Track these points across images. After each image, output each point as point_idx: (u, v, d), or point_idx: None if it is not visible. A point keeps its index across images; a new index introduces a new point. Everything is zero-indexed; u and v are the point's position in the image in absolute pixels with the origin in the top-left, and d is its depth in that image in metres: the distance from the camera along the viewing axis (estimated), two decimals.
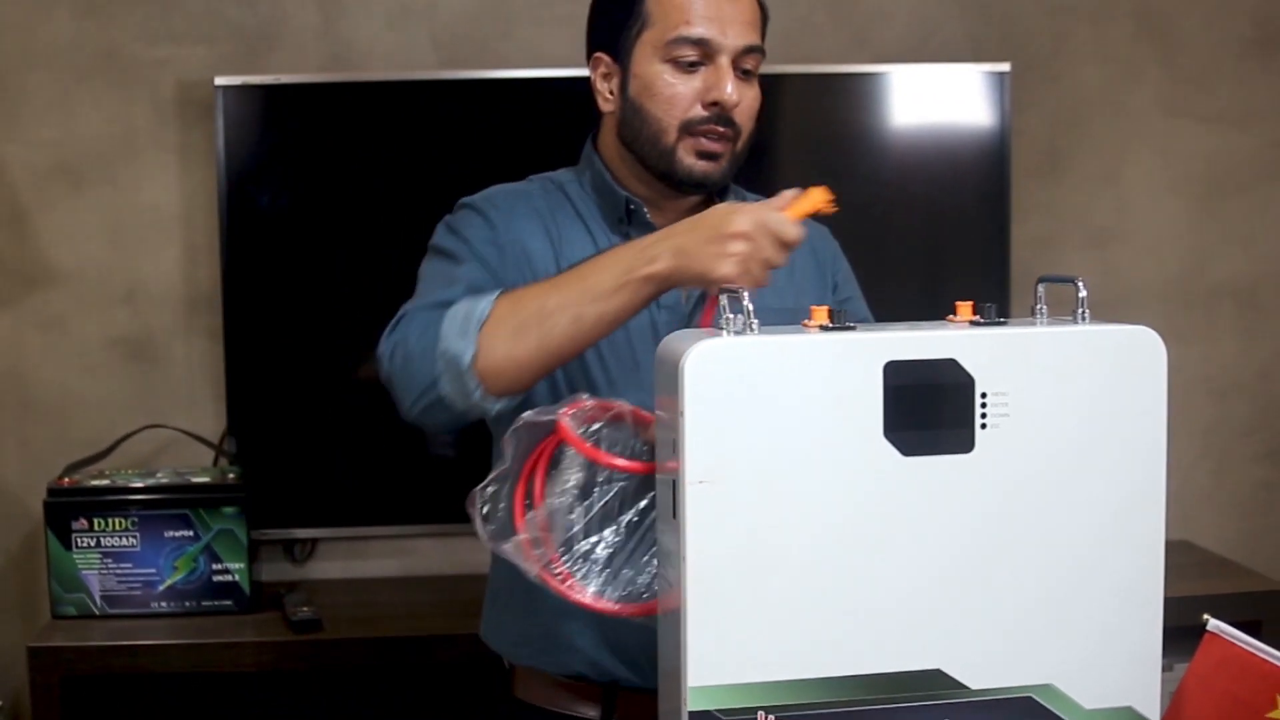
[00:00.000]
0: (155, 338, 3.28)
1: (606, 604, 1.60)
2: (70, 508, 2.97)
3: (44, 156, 3.23)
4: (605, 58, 2.09)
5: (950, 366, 1.42)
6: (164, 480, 3.04)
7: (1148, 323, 1.48)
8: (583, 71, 3.11)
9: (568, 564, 1.61)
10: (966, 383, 1.43)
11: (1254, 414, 3.63)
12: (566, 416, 1.60)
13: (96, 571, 2.98)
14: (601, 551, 1.60)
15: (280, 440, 3.24)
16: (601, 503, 1.58)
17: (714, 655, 1.40)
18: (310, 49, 3.28)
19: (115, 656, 2.85)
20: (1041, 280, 1.55)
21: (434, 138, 3.20)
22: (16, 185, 3.23)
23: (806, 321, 1.49)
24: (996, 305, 1.51)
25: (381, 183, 3.21)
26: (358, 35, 3.29)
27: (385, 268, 3.20)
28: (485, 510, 1.64)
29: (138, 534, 2.98)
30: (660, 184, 2.03)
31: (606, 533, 1.60)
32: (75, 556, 2.97)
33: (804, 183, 2.15)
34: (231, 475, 3.08)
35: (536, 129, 3.17)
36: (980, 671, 1.44)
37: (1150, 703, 1.50)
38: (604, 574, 1.59)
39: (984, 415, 1.43)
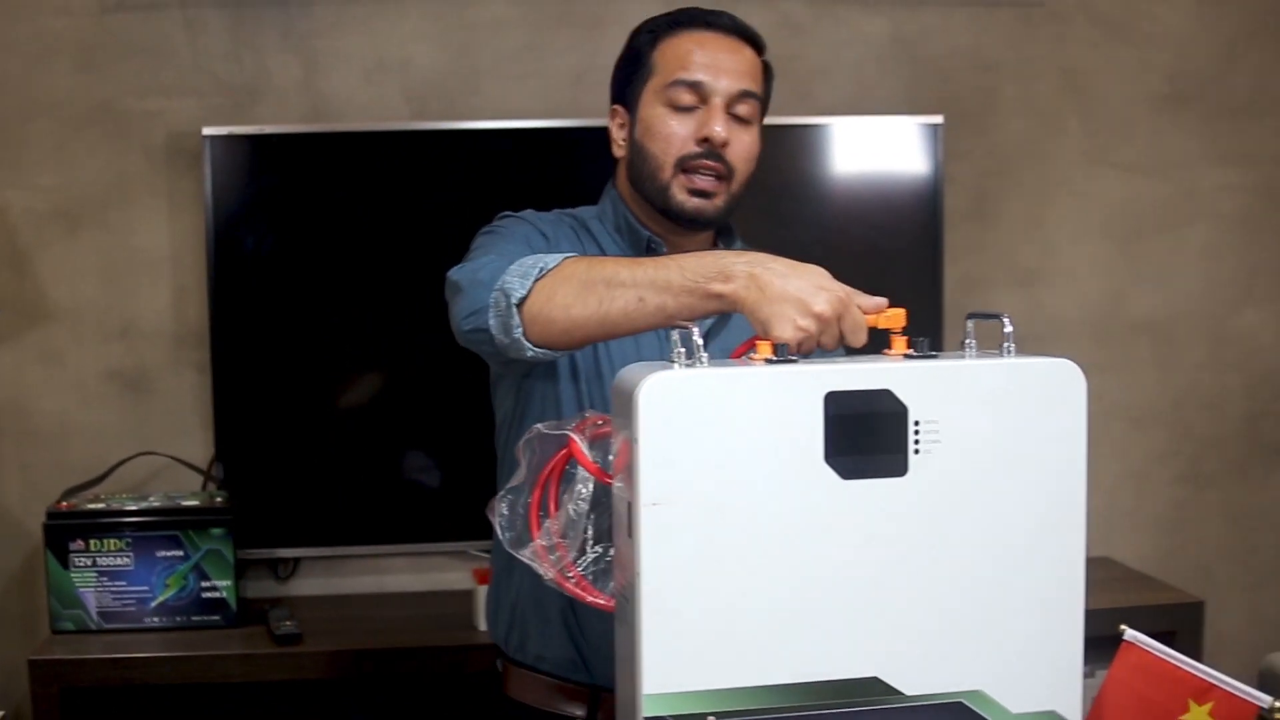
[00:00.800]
0: (148, 371, 3.27)
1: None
2: (68, 529, 2.95)
3: (43, 201, 3.22)
4: (620, 109, 2.12)
5: (885, 396, 1.43)
6: (156, 504, 3.03)
7: (1070, 356, 1.48)
8: (545, 123, 3.14)
9: (582, 568, 1.60)
10: (900, 411, 1.43)
11: (1169, 440, 3.65)
12: (576, 433, 1.60)
13: (93, 589, 2.96)
14: (612, 556, 1.59)
15: (265, 466, 3.23)
16: (611, 511, 1.57)
17: (667, 664, 1.39)
18: (292, 101, 3.27)
19: (111, 669, 2.84)
20: (971, 316, 1.55)
21: (406, 184, 3.20)
22: (17, 228, 3.21)
23: (752, 355, 1.49)
24: (929, 339, 1.52)
25: (358, 226, 3.21)
26: (336, 89, 3.29)
27: (362, 305, 3.21)
28: (504, 519, 1.64)
29: (131, 554, 2.97)
30: (666, 221, 2.05)
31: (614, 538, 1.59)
32: (73, 575, 2.95)
33: (753, 227, 2.18)
34: (219, 499, 3.07)
35: (502, 177, 3.18)
36: (914, 679, 1.44)
37: (1072, 707, 1.50)
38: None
39: (917, 442, 1.43)
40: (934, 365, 1.47)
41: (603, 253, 2.08)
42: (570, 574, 1.60)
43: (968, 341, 1.54)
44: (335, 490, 3.25)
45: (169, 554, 2.98)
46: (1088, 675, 1.53)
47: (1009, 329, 1.50)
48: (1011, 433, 1.46)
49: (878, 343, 1.56)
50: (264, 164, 3.19)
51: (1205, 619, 3.20)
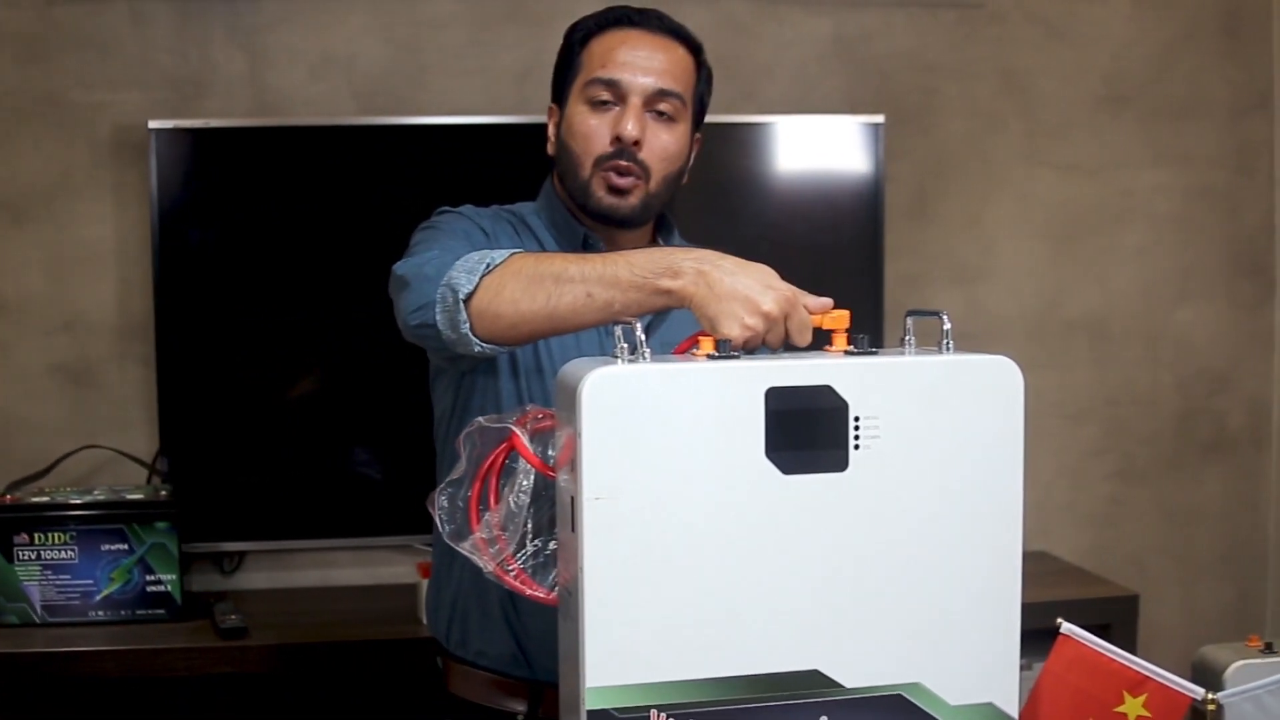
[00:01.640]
0: (92, 364, 3.24)
1: (556, 598, 1.59)
2: (12, 523, 2.92)
3: None
4: (554, 107, 2.12)
5: (826, 392, 1.43)
6: (100, 497, 3.00)
7: (1008, 353, 1.49)
8: (490, 119, 3.14)
9: (521, 561, 1.59)
10: (841, 407, 1.43)
11: (1104, 436, 3.67)
12: (518, 426, 1.59)
13: (37, 583, 2.93)
14: (552, 549, 1.58)
15: (209, 459, 3.20)
16: (552, 505, 1.56)
17: (610, 658, 1.39)
18: (238, 96, 3.25)
19: (55, 662, 2.81)
20: (910, 314, 1.55)
21: (352, 179, 3.19)
22: None
23: (695, 351, 1.49)
24: (869, 336, 1.52)
25: (303, 220, 3.19)
26: (282, 83, 3.27)
27: (306, 299, 3.19)
28: (444, 511, 1.63)
29: (76, 547, 2.94)
30: (591, 219, 2.05)
31: (558, 532, 1.59)
32: (17, 569, 2.92)
33: (695, 224, 2.18)
34: (164, 492, 3.05)
35: (447, 172, 3.18)
36: (854, 671, 1.44)
37: (1009, 699, 1.51)
38: (554, 571, 1.58)
39: (857, 437, 1.43)
40: (874, 362, 1.47)
41: (541, 248, 2.07)
42: (510, 567, 1.59)
43: (907, 338, 1.54)
44: (280, 484, 3.23)
45: (113, 547, 2.95)
46: (1025, 667, 1.54)
47: (948, 326, 1.50)
48: (950, 428, 1.46)
49: (819, 341, 1.56)
50: (210, 158, 3.16)
51: (1140, 612, 3.23)
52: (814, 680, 1.44)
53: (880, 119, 3.35)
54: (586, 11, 2.12)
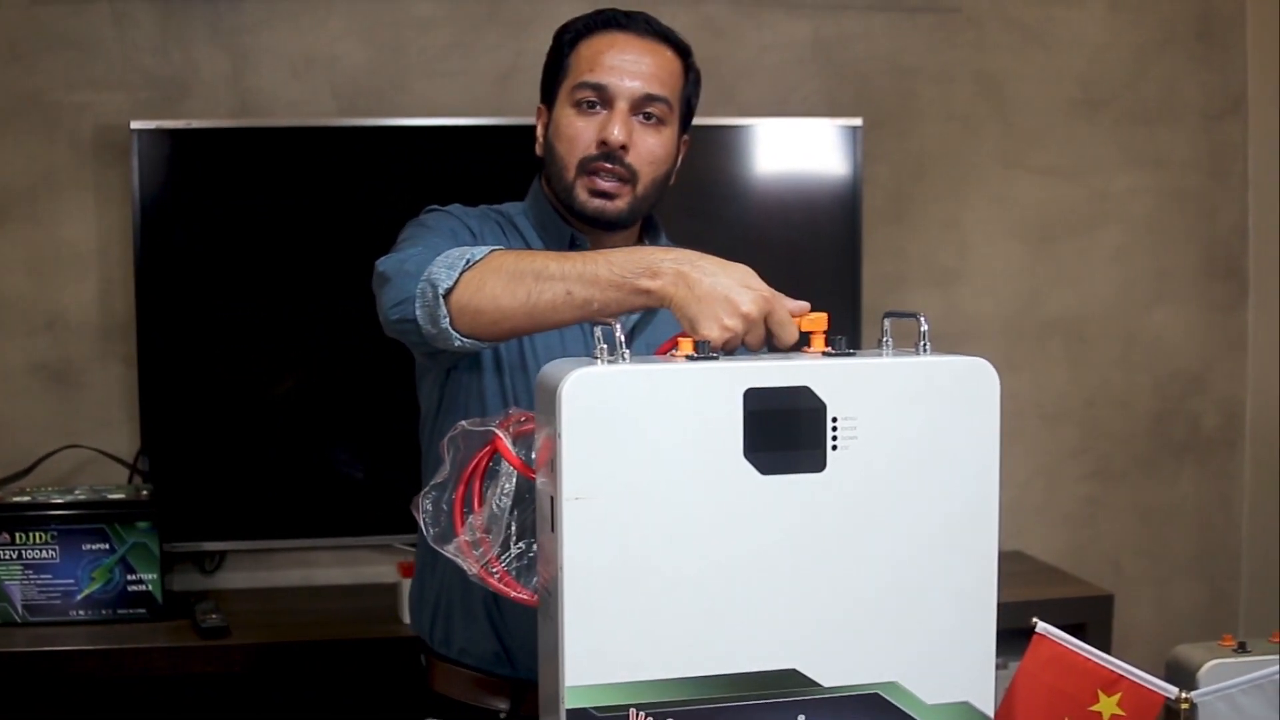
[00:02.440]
0: (74, 364, 3.23)
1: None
2: None
3: None
4: (543, 107, 2.11)
5: (804, 393, 1.43)
6: (82, 497, 2.99)
7: (985, 355, 1.49)
8: (471, 120, 3.13)
9: (505, 564, 1.59)
10: (819, 408, 1.43)
11: (1080, 437, 3.68)
12: (501, 429, 1.59)
13: (18, 582, 2.92)
14: (535, 551, 1.58)
15: (191, 459, 3.19)
16: (535, 507, 1.56)
17: (589, 657, 1.39)
18: (220, 97, 3.24)
19: (36, 662, 2.81)
20: (888, 315, 1.55)
21: (334, 180, 3.19)
22: None
23: (674, 352, 1.49)
24: (846, 337, 1.52)
25: (285, 221, 3.18)
26: (264, 85, 3.26)
27: (288, 300, 3.18)
28: (428, 515, 1.62)
29: (57, 547, 2.93)
30: (577, 220, 2.04)
31: (537, 532, 1.59)
32: None
33: (674, 226, 2.17)
34: (145, 492, 3.04)
35: (428, 173, 3.18)
36: (832, 670, 1.44)
37: (985, 698, 1.51)
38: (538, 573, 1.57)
39: (835, 438, 1.43)
40: (852, 363, 1.47)
41: (528, 248, 2.07)
42: (494, 569, 1.59)
43: (885, 340, 1.54)
44: (261, 484, 3.23)
45: (94, 547, 2.94)
46: (1000, 667, 1.54)
47: (925, 328, 1.50)
48: (927, 429, 1.46)
49: (797, 343, 1.56)
50: (192, 158, 3.15)
51: (1114, 612, 3.24)
52: (792, 679, 1.44)
53: (858, 122, 3.36)
54: (568, 13, 2.12)
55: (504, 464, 1.58)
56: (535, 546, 1.56)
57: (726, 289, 1.55)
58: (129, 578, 2.96)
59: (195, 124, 3.15)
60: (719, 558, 1.41)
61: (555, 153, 2.03)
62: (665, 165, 2.05)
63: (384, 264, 1.89)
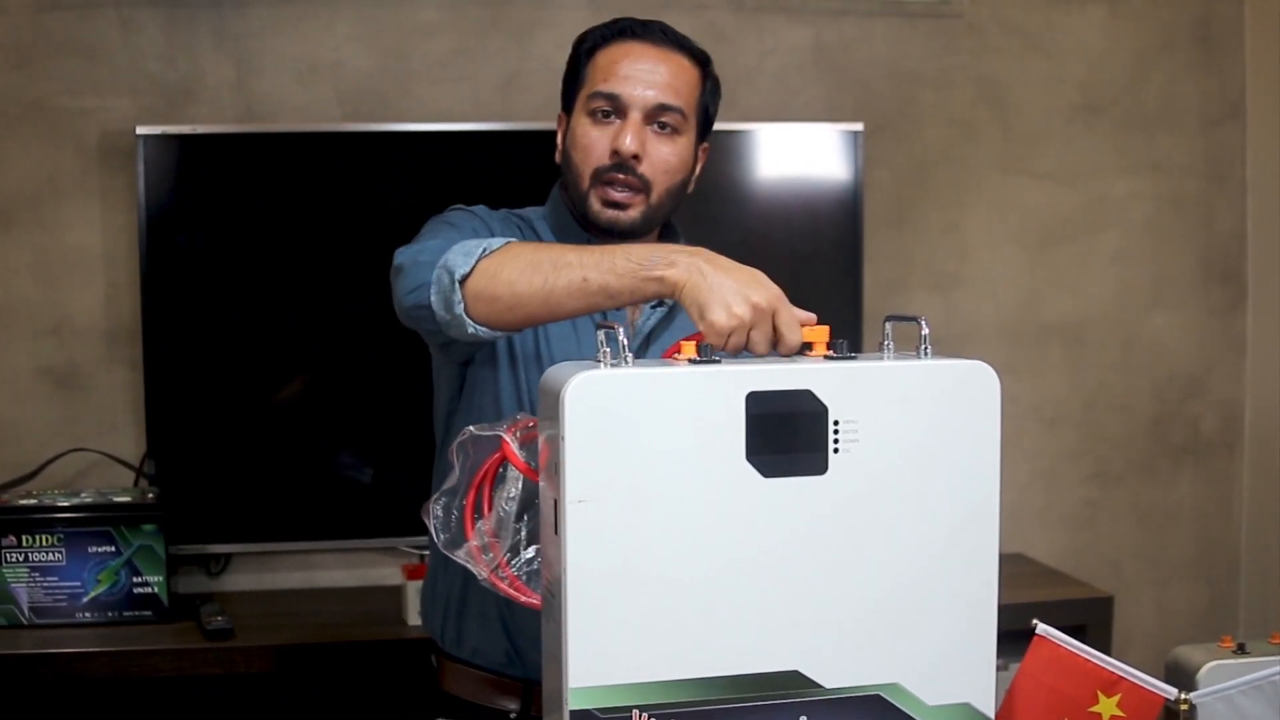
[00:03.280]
0: (80, 368, 3.23)
1: None
2: (0, 525, 2.92)
3: None
4: (562, 115, 2.10)
5: (806, 397, 1.43)
6: (88, 500, 3.00)
7: (985, 358, 1.49)
8: (475, 126, 3.13)
9: (515, 568, 1.60)
10: (820, 411, 1.43)
11: (1080, 440, 3.68)
12: (509, 434, 1.59)
13: (25, 585, 2.92)
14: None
15: (196, 462, 3.19)
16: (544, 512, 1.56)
17: (592, 659, 1.39)
18: (225, 102, 3.25)
19: (42, 664, 2.80)
20: (889, 319, 1.55)
21: (338, 185, 3.19)
22: None
23: (676, 355, 1.49)
24: (848, 341, 1.53)
25: (290, 226, 3.18)
26: (269, 90, 3.26)
27: (293, 304, 3.18)
28: (438, 520, 1.63)
29: (63, 549, 2.93)
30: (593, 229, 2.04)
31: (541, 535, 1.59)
32: (5, 571, 2.91)
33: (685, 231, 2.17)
34: (151, 495, 3.04)
35: (432, 179, 3.17)
36: (833, 672, 1.45)
37: (986, 699, 1.51)
38: None
39: (836, 441, 1.43)
40: (853, 366, 1.47)
41: None
42: (504, 574, 1.60)
43: (886, 343, 1.54)
44: (266, 486, 3.22)
45: (101, 550, 2.95)
46: (1001, 668, 1.54)
47: (926, 331, 1.50)
48: (928, 432, 1.47)
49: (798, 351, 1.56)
50: (197, 163, 3.15)
51: (1114, 613, 3.24)
52: (794, 681, 1.44)
53: (859, 127, 3.36)
54: (570, 21, 2.12)
55: (512, 469, 1.58)
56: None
57: (738, 280, 1.57)
58: (135, 580, 2.96)
59: (201, 129, 3.15)
60: (721, 560, 1.42)
61: (571, 162, 2.03)
62: (680, 174, 2.04)
63: (402, 254, 1.90)
